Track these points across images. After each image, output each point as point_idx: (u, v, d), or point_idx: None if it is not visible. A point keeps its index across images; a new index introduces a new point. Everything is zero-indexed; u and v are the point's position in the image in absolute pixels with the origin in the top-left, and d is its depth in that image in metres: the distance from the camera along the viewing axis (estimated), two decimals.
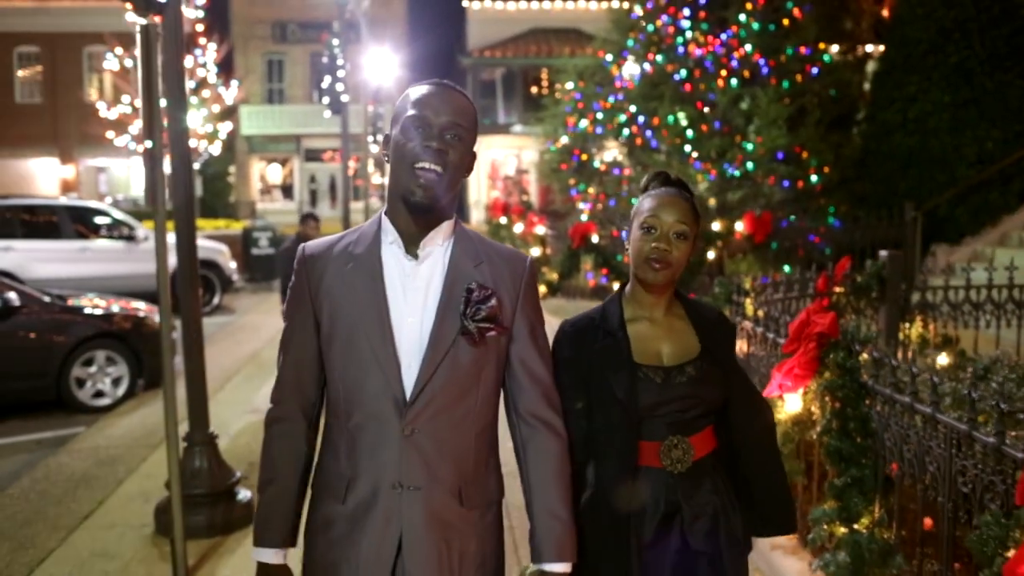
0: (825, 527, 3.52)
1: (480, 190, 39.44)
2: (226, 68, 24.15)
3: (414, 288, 2.04)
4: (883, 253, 6.19)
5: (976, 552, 2.48)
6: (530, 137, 37.27)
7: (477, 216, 38.82)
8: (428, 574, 2.01)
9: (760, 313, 4.81)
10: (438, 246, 2.07)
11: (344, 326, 2.02)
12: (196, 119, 22.37)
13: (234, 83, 23.63)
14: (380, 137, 25.50)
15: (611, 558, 2.23)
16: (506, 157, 39.81)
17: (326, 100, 13.93)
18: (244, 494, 5.17)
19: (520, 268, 2.13)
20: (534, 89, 38.75)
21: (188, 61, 21.23)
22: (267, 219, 19.44)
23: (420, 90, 2.06)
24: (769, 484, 2.37)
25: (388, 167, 2.07)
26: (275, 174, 38.43)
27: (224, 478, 5.04)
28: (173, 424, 4.26)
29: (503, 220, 22.12)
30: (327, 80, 13.66)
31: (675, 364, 2.29)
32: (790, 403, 3.82)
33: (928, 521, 3.46)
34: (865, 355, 3.60)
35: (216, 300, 14.72)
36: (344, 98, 13.46)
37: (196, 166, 23.85)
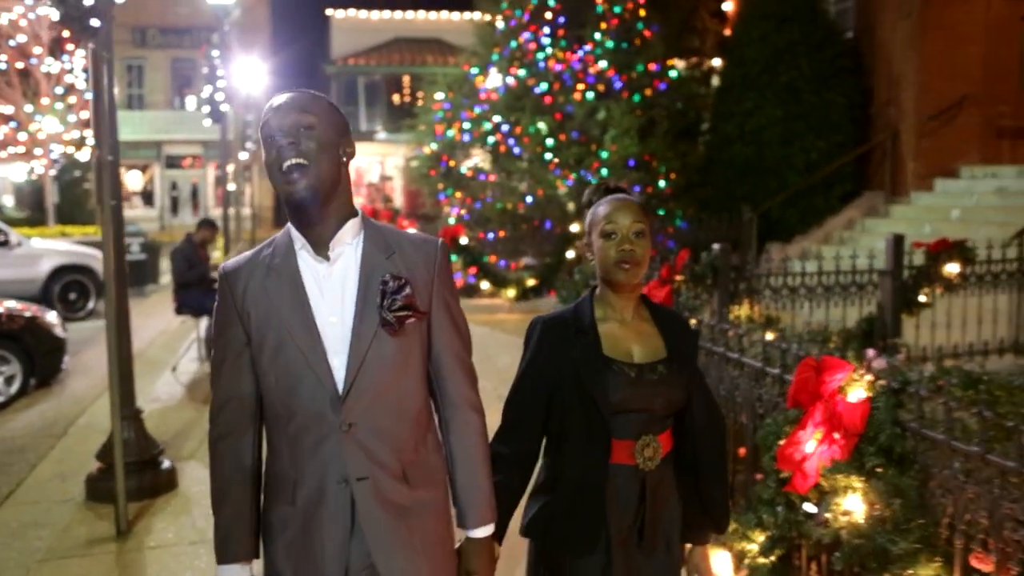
0: None
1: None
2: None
3: (331, 288, 2.10)
4: (715, 246, 7.28)
5: (762, 444, 3.43)
6: (394, 144, 38.06)
7: None
8: (393, 556, 2.08)
9: None
10: (347, 244, 2.12)
11: (272, 335, 2.07)
12: (55, 125, 22.14)
13: None
14: (250, 144, 25.82)
15: (589, 552, 2.35)
16: (370, 164, 40.28)
17: (206, 109, 14.34)
18: (167, 463, 5.81)
19: (432, 252, 2.19)
20: (396, 97, 39.39)
21: (55, 67, 21.19)
22: (139, 225, 19.49)
23: (269, 105, 2.12)
24: (716, 488, 2.49)
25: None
26: (135, 181, 37.89)
27: (149, 448, 5.66)
28: (116, 395, 4.91)
29: None
30: (207, 89, 14.09)
31: (646, 362, 2.40)
32: None
33: (742, 450, 4.43)
34: (693, 321, 4.58)
35: (91, 305, 14.89)
36: (224, 107, 13.95)
37: (52, 172, 23.56)
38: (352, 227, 2.11)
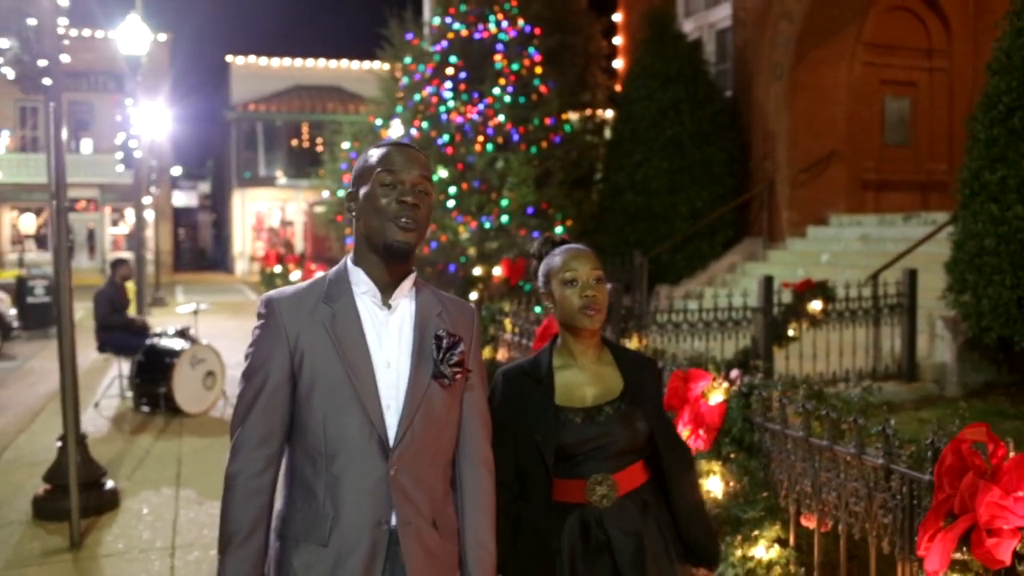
0: None
1: (245, 241, 39.84)
2: None
3: (388, 336, 2.15)
4: (608, 286, 8.10)
5: None
6: (294, 190, 38.39)
7: (242, 267, 39.20)
8: None
9: (517, 328, 6.52)
10: (405, 296, 2.20)
11: (328, 372, 2.08)
12: None
13: (4, 132, 23.39)
14: (154, 189, 25.88)
15: None
16: (270, 209, 40.44)
17: (119, 155, 14.68)
18: (110, 483, 6.30)
19: (470, 315, 2.31)
20: (296, 143, 39.78)
21: None
22: (44, 268, 19.48)
23: (390, 147, 2.18)
24: (694, 519, 2.56)
25: (360, 218, 2.18)
26: (29, 223, 37.31)
27: (94, 471, 6.15)
28: (70, 418, 5.42)
29: (277, 269, 23.14)
30: (120, 136, 14.46)
31: (596, 404, 2.47)
32: None
33: None
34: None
35: None
36: (137, 154, 14.32)
37: None
38: (410, 281, 2.20)
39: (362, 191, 2.16)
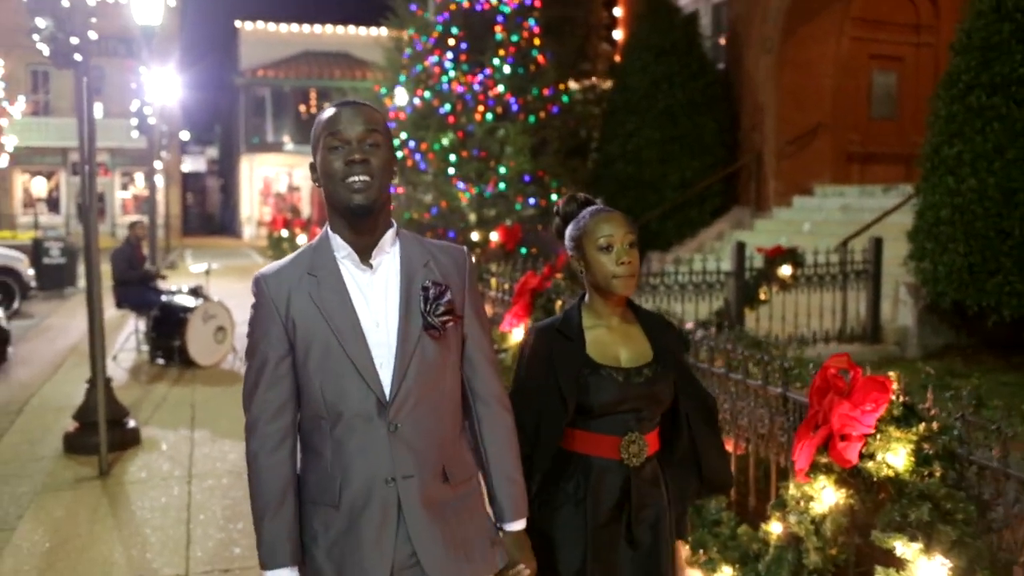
0: None
1: (253, 206, 40.47)
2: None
3: (374, 295, 2.18)
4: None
5: None
6: (302, 155, 38.92)
7: (250, 231, 39.87)
8: (439, 553, 2.16)
9: (505, 286, 7.17)
10: (387, 253, 2.21)
11: (320, 341, 2.13)
12: None
13: (21, 97, 23.99)
14: (165, 154, 26.43)
15: (567, 544, 2.47)
16: (277, 174, 41.02)
17: (134, 121, 15.30)
18: (132, 423, 6.98)
19: (461, 258, 2.31)
20: (304, 109, 40.28)
21: None
22: (59, 230, 20.16)
23: (333, 112, 2.18)
24: (716, 455, 2.67)
25: (322, 189, 2.20)
26: (40, 187, 37.97)
27: (118, 411, 6.83)
28: (99, 361, 6.09)
29: (284, 233, 23.78)
30: (135, 104, 15.05)
31: (633, 366, 2.51)
32: (515, 335, 6.17)
33: None
34: (560, 302, 5.98)
35: (16, 305, 15.65)
36: (151, 120, 14.93)
37: None
38: (390, 236, 2.22)
39: (317, 160, 2.18)
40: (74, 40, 6.35)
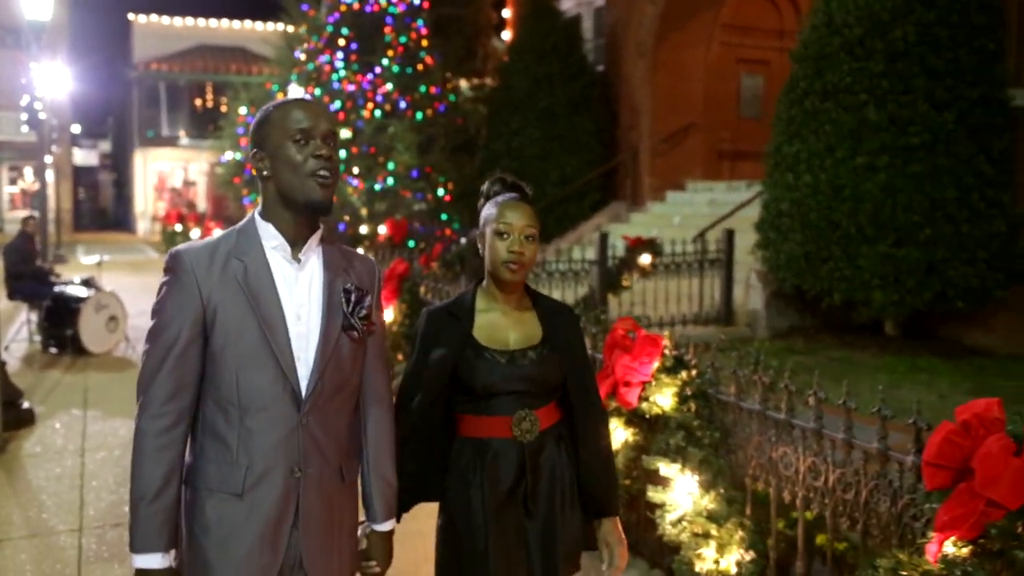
0: None
1: (147, 201, 40.07)
2: None
3: (298, 290, 2.20)
4: (463, 240, 9.44)
5: None
6: (197, 150, 38.74)
7: (144, 227, 39.49)
8: (318, 546, 2.20)
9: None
10: (313, 251, 2.24)
11: (239, 327, 2.12)
12: None
13: None
14: (55, 148, 26.08)
15: (470, 522, 2.51)
16: (172, 169, 40.66)
17: (24, 116, 15.40)
18: (26, 404, 7.40)
19: (372, 269, 2.38)
20: (199, 103, 40.02)
21: None
22: None
23: (294, 105, 2.19)
24: (600, 462, 2.66)
25: (271, 177, 2.16)
26: None
27: (13, 392, 7.25)
28: None
29: (178, 228, 23.88)
30: (25, 98, 15.15)
31: (519, 348, 2.55)
32: (385, 315, 6.83)
33: None
34: (423, 287, 6.66)
35: None
36: (42, 115, 15.07)
37: None
38: (317, 237, 2.24)
39: (273, 149, 2.15)
40: None
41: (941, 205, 8.87)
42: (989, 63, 9.13)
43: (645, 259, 10.22)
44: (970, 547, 2.38)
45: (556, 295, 9.90)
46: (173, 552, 2.13)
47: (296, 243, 2.21)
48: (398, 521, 2.51)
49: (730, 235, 10.62)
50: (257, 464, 2.13)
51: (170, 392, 2.12)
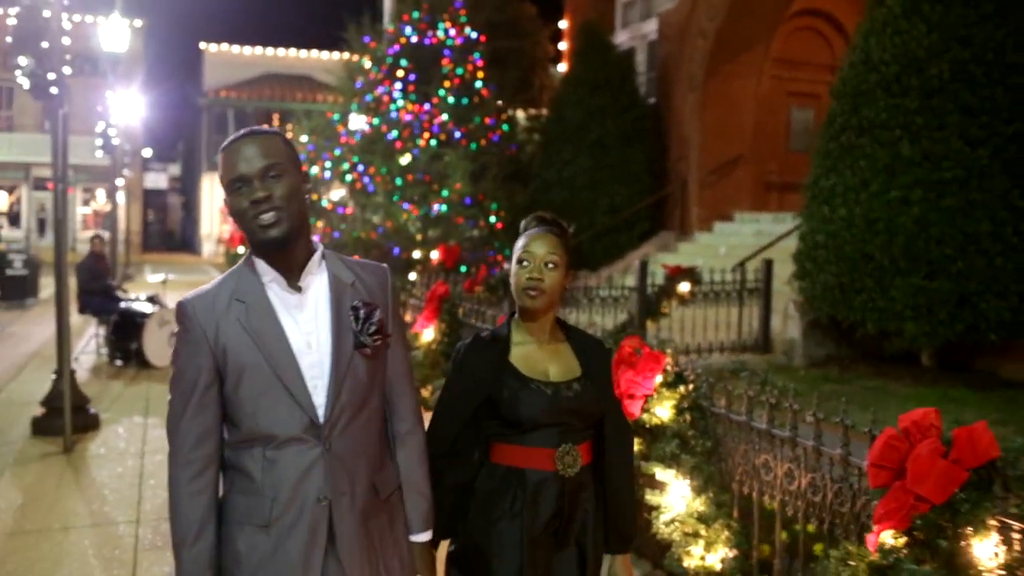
0: None
1: (212, 223, 41.21)
2: None
3: (304, 318, 2.20)
4: (505, 266, 9.82)
5: None
6: None
7: (209, 248, 40.61)
8: (359, 566, 2.20)
9: (419, 294, 8.24)
10: (314, 274, 2.23)
11: (252, 367, 2.13)
12: None
13: None
14: (127, 172, 27.05)
15: (505, 557, 2.48)
16: None
17: (99, 142, 16.24)
18: (93, 410, 7.95)
19: (384, 277, 2.36)
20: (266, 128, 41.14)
21: None
22: (22, 243, 20.89)
23: (230, 149, 2.17)
24: (622, 498, 2.66)
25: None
26: (1, 201, 38.49)
27: (81, 398, 7.80)
28: (66, 354, 7.06)
29: (241, 250, 24.63)
30: (100, 125, 15.99)
31: (562, 380, 2.55)
32: (426, 335, 7.23)
33: None
34: (462, 309, 7.06)
35: None
36: (115, 141, 15.88)
37: None
38: (317, 258, 2.25)
39: (226, 197, 2.21)
40: (51, 76, 7.35)
41: (975, 239, 9.05)
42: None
43: (684, 287, 10.52)
44: (904, 538, 2.70)
45: (597, 320, 10.26)
46: None
47: (292, 271, 2.22)
48: (436, 547, 2.53)
49: (769, 265, 10.89)
50: (283, 494, 2.15)
51: (196, 438, 2.17)
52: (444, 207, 15.96)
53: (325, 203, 17.66)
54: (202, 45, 41.19)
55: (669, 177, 16.96)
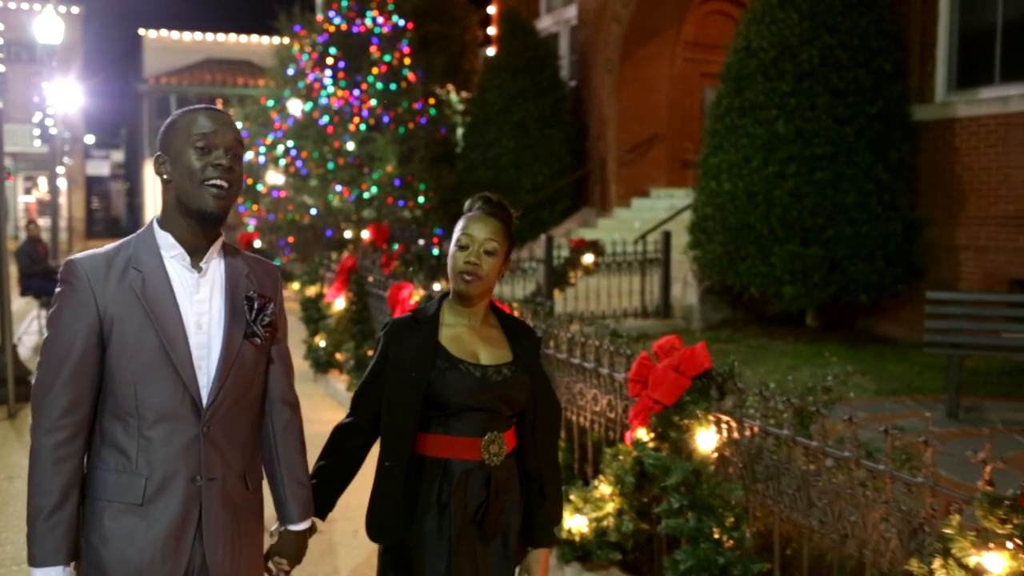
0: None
1: (156, 209, 41.16)
2: None
3: (199, 298, 2.17)
4: (420, 241, 10.63)
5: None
6: None
7: None
8: (222, 551, 2.18)
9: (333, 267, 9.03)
10: (214, 259, 2.21)
11: (141, 339, 2.08)
12: None
13: None
14: (68, 160, 27.32)
15: (434, 551, 2.44)
16: None
17: (36, 131, 16.72)
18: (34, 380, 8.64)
19: (275, 274, 2.37)
20: None
21: None
22: None
23: (198, 114, 2.15)
24: (553, 480, 2.64)
25: (171, 182, 2.15)
26: None
27: (23, 370, 8.49)
28: (8, 331, 7.76)
29: None
30: (37, 116, 16.47)
31: (491, 363, 2.51)
32: (337, 304, 8.03)
33: None
34: (371, 277, 7.86)
35: None
36: (53, 130, 16.35)
37: None
38: (218, 244, 2.22)
39: (174, 154, 2.14)
40: None
41: (843, 209, 10.03)
42: (887, 82, 10.30)
43: (588, 258, 11.39)
44: (649, 433, 3.57)
45: (507, 290, 11.11)
46: (73, 565, 2.14)
47: (196, 251, 2.19)
48: (316, 526, 2.53)
49: (667, 236, 11.80)
50: (157, 474, 2.11)
51: (67, 405, 2.08)
52: (375, 189, 16.69)
53: (260, 187, 18.30)
54: (141, 31, 41.20)
55: (589, 156, 17.82)
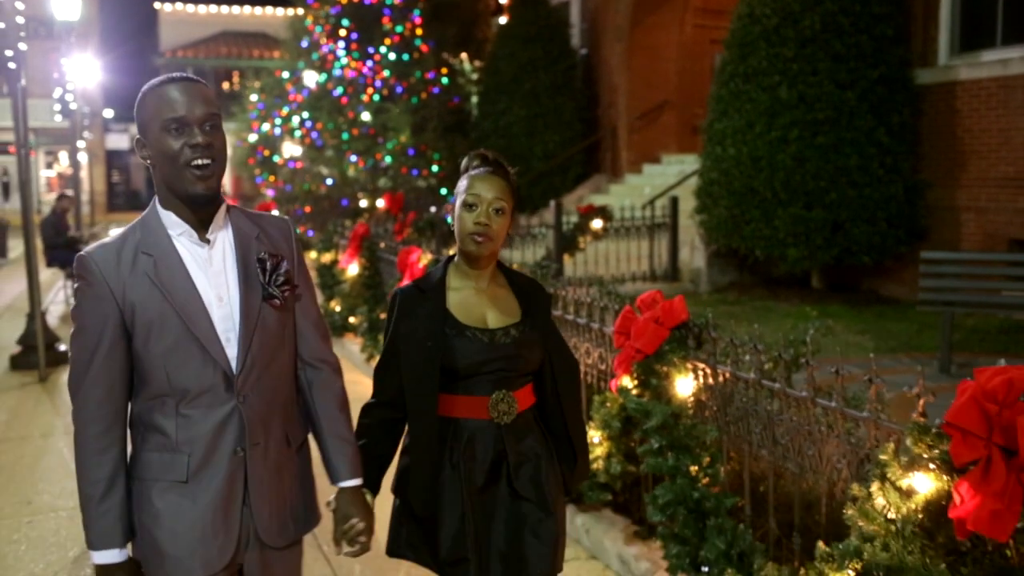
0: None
1: None
2: None
3: (213, 271, 2.17)
4: (432, 209, 10.91)
5: None
6: (225, 132, 40.31)
7: None
8: (269, 513, 2.23)
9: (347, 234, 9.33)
10: (221, 228, 2.21)
11: (163, 322, 2.09)
12: None
13: None
14: (88, 134, 27.65)
15: (448, 506, 2.46)
16: None
17: (57, 107, 17.05)
18: (63, 347, 9.01)
19: (287, 229, 2.34)
20: (225, 86, 41.66)
21: None
22: None
23: (168, 89, 2.08)
24: (578, 434, 2.64)
25: (154, 169, 2.13)
26: None
27: (52, 337, 8.86)
28: (36, 300, 8.11)
29: None
30: (57, 91, 16.80)
31: (500, 326, 2.49)
32: (351, 269, 8.34)
33: None
34: (383, 243, 8.15)
35: None
36: (73, 105, 16.68)
37: None
38: (222, 211, 2.21)
39: (152, 139, 2.10)
40: (8, 53, 8.29)
41: (845, 172, 10.23)
42: (888, 47, 10.46)
43: (596, 224, 11.64)
44: (632, 380, 3.86)
45: (516, 255, 11.39)
46: (130, 545, 2.19)
47: (201, 224, 2.18)
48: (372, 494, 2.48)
49: (675, 201, 12.03)
50: (199, 449, 2.13)
51: (101, 395, 2.12)
52: (389, 158, 16.97)
53: (277, 159, 18.62)
54: (157, 5, 41.52)
55: (600, 123, 18.03)
